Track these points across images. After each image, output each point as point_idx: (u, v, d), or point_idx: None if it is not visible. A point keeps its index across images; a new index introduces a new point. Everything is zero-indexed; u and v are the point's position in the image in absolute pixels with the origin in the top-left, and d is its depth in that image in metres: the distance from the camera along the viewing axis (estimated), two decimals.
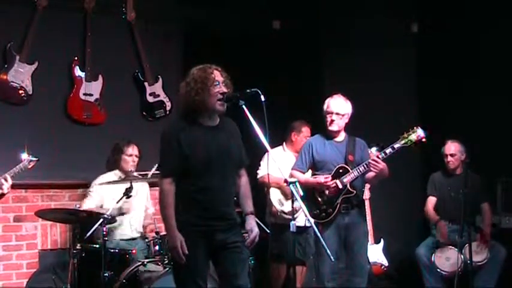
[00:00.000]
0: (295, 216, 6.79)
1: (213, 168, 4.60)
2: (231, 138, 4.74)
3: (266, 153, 6.87)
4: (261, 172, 7.04)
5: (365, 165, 5.89)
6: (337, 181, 5.92)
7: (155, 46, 7.63)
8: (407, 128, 5.93)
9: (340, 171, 5.96)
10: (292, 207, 4.75)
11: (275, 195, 6.97)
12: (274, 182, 6.84)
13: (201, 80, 4.60)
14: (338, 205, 5.93)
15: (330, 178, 5.92)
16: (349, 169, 5.94)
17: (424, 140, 5.88)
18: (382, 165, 5.84)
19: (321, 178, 5.94)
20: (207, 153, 4.58)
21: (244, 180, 4.89)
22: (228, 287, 4.67)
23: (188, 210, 4.57)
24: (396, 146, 5.88)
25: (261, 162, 7.02)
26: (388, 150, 5.87)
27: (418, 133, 5.88)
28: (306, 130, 7.16)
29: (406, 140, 5.87)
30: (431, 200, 7.27)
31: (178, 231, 4.51)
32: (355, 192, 5.94)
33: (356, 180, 5.96)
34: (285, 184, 4.65)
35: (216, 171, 4.62)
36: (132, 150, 6.66)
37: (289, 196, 6.84)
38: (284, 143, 7.27)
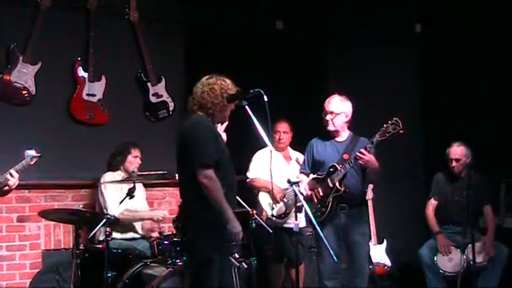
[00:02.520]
0: (285, 219, 6.87)
1: (231, 166, 4.97)
2: None
3: (254, 155, 6.96)
4: (250, 175, 7.03)
5: (350, 162, 5.85)
6: (328, 180, 5.90)
7: (158, 46, 7.62)
8: (408, 129, 5.89)
9: (331, 169, 5.95)
10: (296, 207, 4.78)
11: (265, 199, 6.94)
12: (263, 186, 6.85)
13: (229, 87, 4.98)
14: (330, 204, 5.90)
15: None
16: (338, 167, 5.91)
17: (402, 131, 5.81)
18: (367, 157, 5.79)
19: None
20: (226, 151, 4.96)
21: None
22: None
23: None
24: (375, 140, 5.80)
25: (250, 164, 7.02)
26: (368, 146, 5.82)
27: (395, 124, 5.80)
28: (278, 125, 7.09)
29: (384, 132, 5.78)
30: (432, 204, 7.18)
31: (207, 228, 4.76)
32: (343, 189, 5.88)
33: (349, 179, 5.92)
34: (288, 184, 4.69)
35: (231, 169, 5.00)
36: (138, 152, 6.69)
37: (278, 200, 6.84)
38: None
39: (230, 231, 4.75)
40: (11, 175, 5.27)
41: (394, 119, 5.77)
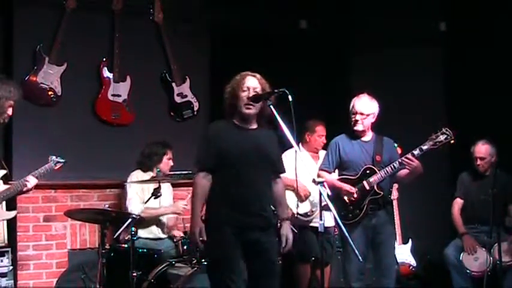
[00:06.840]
0: (311, 217, 6.85)
1: (244, 165, 4.81)
2: (268, 144, 4.94)
3: (281, 155, 6.94)
4: None
5: (393, 166, 5.80)
6: (365, 182, 5.86)
7: (183, 46, 7.65)
8: (435, 129, 5.86)
9: (367, 172, 5.89)
10: (321, 206, 4.76)
11: (291, 197, 6.93)
12: (288, 184, 6.83)
13: (232, 85, 4.92)
14: (365, 206, 5.86)
15: (355, 190, 5.85)
16: (377, 170, 5.88)
17: (453, 141, 5.79)
18: (416, 162, 5.75)
19: (347, 186, 5.89)
20: (238, 151, 4.82)
21: (279, 187, 5.10)
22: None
23: (220, 203, 4.81)
24: (424, 147, 5.79)
25: None
26: (416, 152, 5.77)
27: (447, 134, 5.79)
28: (319, 129, 7.11)
29: (435, 141, 5.78)
30: (458, 203, 7.15)
31: (211, 224, 4.80)
32: (382, 193, 5.87)
33: (383, 181, 5.90)
34: (313, 184, 4.67)
35: (248, 169, 4.82)
36: (171, 153, 6.69)
37: (303, 198, 6.81)
38: (300, 144, 7.19)
39: None
40: (29, 181, 5.35)
41: (446, 128, 5.78)
